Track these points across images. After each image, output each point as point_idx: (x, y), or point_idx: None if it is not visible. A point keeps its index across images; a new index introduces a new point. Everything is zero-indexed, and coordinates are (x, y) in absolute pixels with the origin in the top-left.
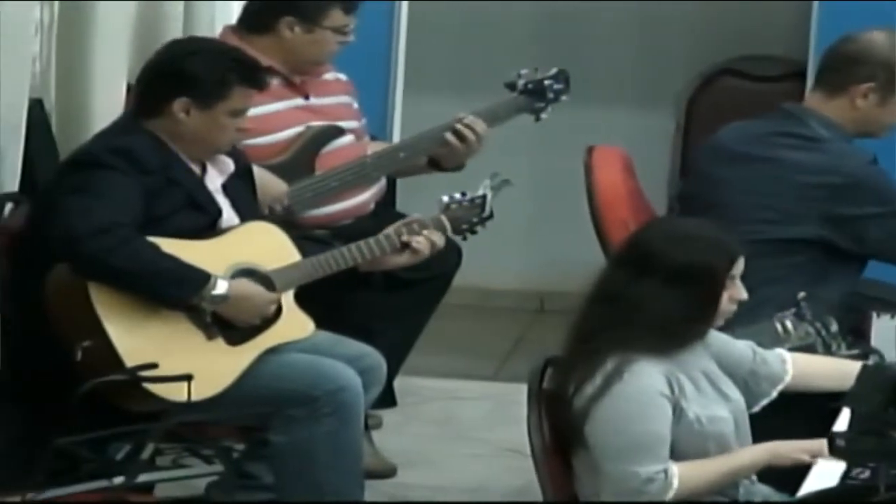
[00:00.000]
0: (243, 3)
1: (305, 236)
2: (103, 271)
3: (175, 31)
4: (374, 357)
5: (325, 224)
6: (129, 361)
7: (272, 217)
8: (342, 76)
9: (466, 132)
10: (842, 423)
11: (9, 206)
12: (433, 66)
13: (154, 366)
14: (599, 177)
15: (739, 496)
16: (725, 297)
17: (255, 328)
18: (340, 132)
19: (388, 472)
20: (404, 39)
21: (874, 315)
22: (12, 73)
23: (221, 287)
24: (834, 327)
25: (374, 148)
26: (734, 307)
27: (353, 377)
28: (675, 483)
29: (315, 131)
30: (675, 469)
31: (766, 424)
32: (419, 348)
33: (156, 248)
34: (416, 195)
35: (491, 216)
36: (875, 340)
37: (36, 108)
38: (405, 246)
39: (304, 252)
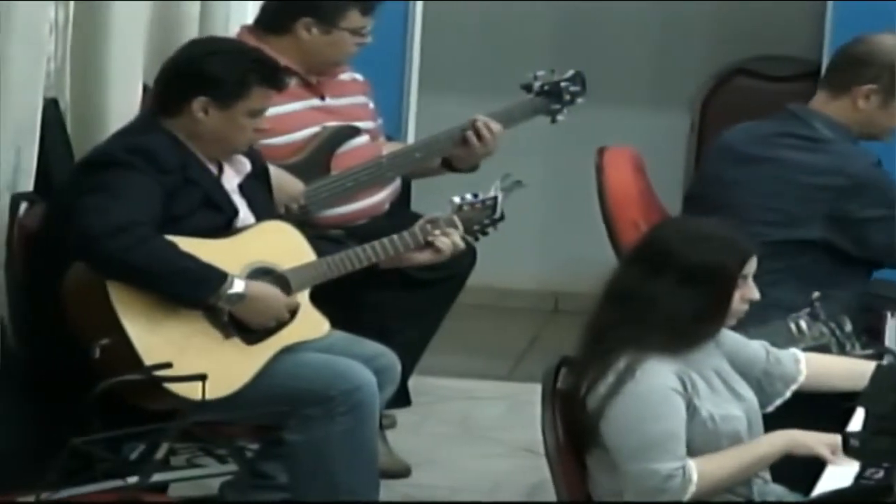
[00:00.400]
0: (259, 3)
1: (320, 236)
2: (122, 270)
3: (190, 31)
4: (389, 357)
5: (341, 224)
6: (148, 359)
7: (288, 217)
8: (358, 76)
9: (484, 132)
10: (856, 423)
11: (24, 206)
12: (448, 66)
13: (169, 365)
14: (610, 178)
15: (753, 496)
16: (737, 296)
17: (271, 328)
18: (356, 132)
19: (402, 472)
20: (419, 40)
21: (888, 315)
22: (27, 72)
23: (238, 286)
24: (848, 327)
25: (389, 148)
26: (746, 307)
27: (369, 376)
28: (695, 477)
29: (331, 131)
30: (693, 464)
31: (779, 424)
32: (434, 348)
33: (174, 246)
34: (430, 195)
35: (502, 218)
36: (889, 340)
37: (51, 108)
38: (428, 244)
39: (320, 252)
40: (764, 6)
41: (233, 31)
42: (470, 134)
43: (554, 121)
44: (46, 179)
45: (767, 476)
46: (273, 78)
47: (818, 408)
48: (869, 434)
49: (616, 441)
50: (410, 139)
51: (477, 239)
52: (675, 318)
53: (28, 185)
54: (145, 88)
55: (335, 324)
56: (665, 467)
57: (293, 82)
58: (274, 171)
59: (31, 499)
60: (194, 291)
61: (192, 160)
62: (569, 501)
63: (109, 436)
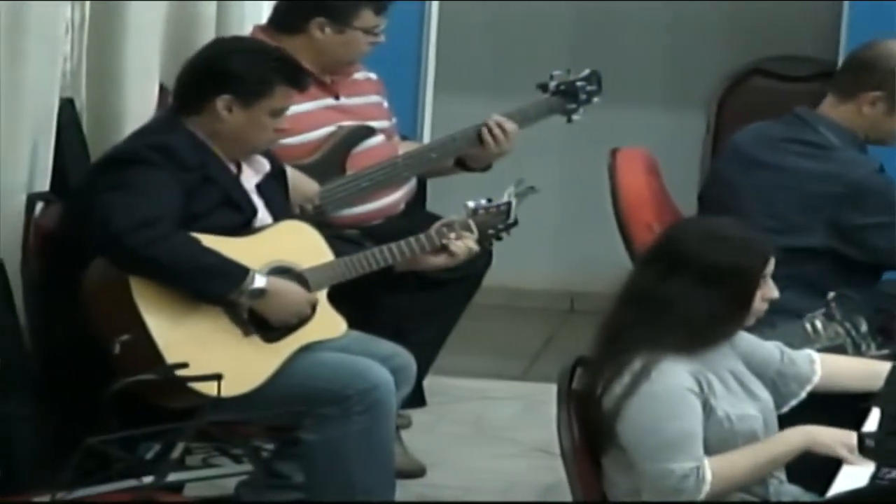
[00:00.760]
0: (274, 3)
1: (336, 236)
2: (144, 265)
3: (206, 31)
4: (405, 357)
5: (356, 224)
6: (168, 355)
7: (303, 217)
8: (372, 75)
9: (497, 132)
10: (871, 423)
11: (40, 206)
12: (463, 66)
13: (186, 365)
14: (623, 179)
15: (769, 496)
16: (758, 296)
17: (291, 326)
18: (371, 132)
19: (417, 472)
20: (435, 39)
21: None
22: (43, 72)
23: (260, 282)
24: (864, 327)
25: (404, 148)
26: (766, 306)
27: (386, 376)
28: (709, 476)
29: (346, 131)
30: (708, 463)
31: (795, 425)
32: (449, 348)
33: (196, 242)
34: (445, 196)
35: (516, 223)
36: None
37: (67, 108)
38: (443, 248)
39: (336, 251)
40: (780, 6)
41: (248, 31)
42: (485, 133)
43: (570, 120)
44: (62, 179)
45: (783, 476)
46: (295, 77)
47: (833, 408)
48: (884, 434)
49: (632, 441)
50: (426, 139)
51: (491, 244)
52: (696, 319)
53: (44, 184)
54: (161, 88)
55: (351, 324)
56: (681, 467)
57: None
58: (289, 171)
59: (47, 498)
60: (216, 287)
61: (212, 159)
62: (584, 502)
63: (125, 435)
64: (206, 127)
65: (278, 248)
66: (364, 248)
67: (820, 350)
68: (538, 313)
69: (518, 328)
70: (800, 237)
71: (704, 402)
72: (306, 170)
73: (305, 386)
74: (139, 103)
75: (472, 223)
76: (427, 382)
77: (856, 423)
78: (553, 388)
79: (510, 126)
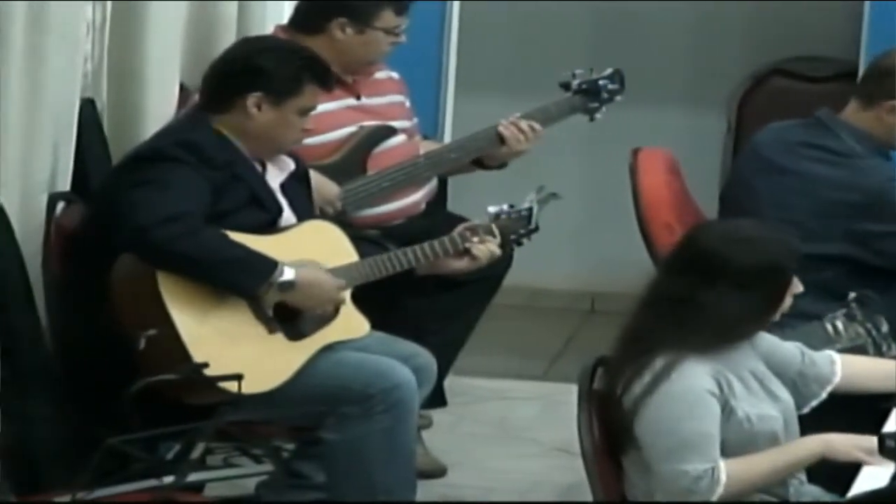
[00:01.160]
0: (295, 3)
1: (357, 236)
2: (172, 259)
3: (227, 32)
4: (425, 357)
5: (377, 224)
6: (193, 350)
7: (324, 218)
8: (394, 75)
9: (525, 128)
10: (892, 423)
11: (61, 205)
12: (485, 65)
13: (206, 365)
14: (643, 179)
15: (789, 496)
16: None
17: (315, 324)
18: (393, 132)
19: (438, 472)
20: (456, 39)
21: None
22: (64, 72)
23: (289, 274)
24: (885, 328)
25: (426, 147)
26: (790, 301)
27: (408, 375)
28: (723, 478)
29: (367, 131)
30: (724, 465)
31: (815, 425)
32: (469, 348)
33: (224, 236)
34: (466, 196)
35: (537, 228)
36: None
37: (88, 108)
38: (466, 251)
39: (357, 251)
40: (801, 6)
41: (269, 31)
42: (513, 130)
43: (592, 119)
44: (83, 179)
45: (803, 477)
46: (324, 76)
47: (854, 409)
48: None
49: (649, 441)
50: (447, 139)
51: (512, 249)
52: (727, 320)
53: (65, 184)
54: (182, 88)
55: (372, 324)
56: (695, 468)
57: None
58: (311, 174)
59: (67, 498)
60: (245, 280)
61: (239, 157)
62: (604, 502)
63: (145, 435)
64: (234, 125)
65: (304, 247)
66: (385, 248)
67: (840, 351)
68: (559, 313)
69: (538, 328)
70: (817, 244)
71: (724, 403)
72: (327, 169)
73: (327, 385)
74: (160, 103)
75: (494, 227)
76: (448, 382)
77: (876, 423)
78: (573, 389)
79: (525, 124)
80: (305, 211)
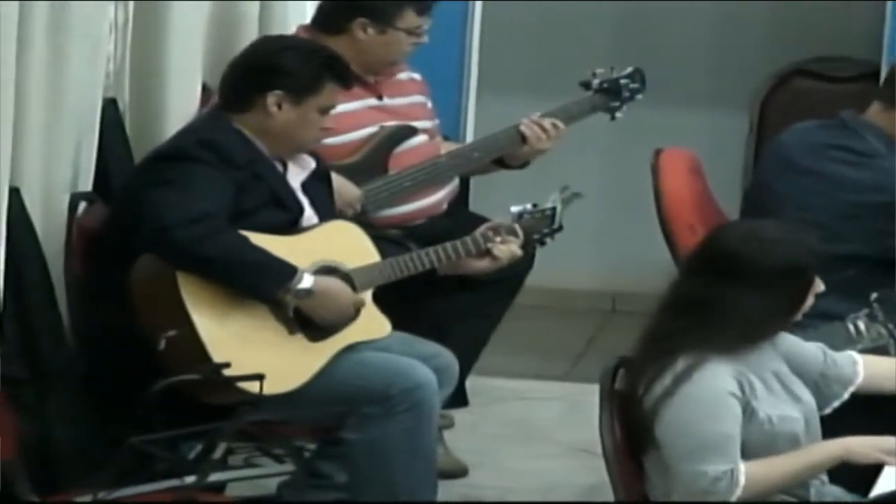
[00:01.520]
0: (317, 2)
1: (379, 236)
2: (193, 260)
3: (249, 32)
4: (447, 357)
5: (399, 224)
6: (213, 351)
7: (345, 219)
8: (416, 76)
9: (549, 126)
10: None
11: (82, 205)
12: (507, 65)
13: (228, 365)
14: (666, 180)
15: (811, 497)
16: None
17: (335, 326)
18: (414, 132)
19: (459, 472)
20: (478, 39)
21: None
22: (87, 72)
23: (307, 282)
24: None
25: (446, 148)
26: (812, 301)
27: (429, 375)
28: (742, 480)
29: (388, 131)
30: (743, 467)
31: (837, 426)
32: (491, 348)
33: (245, 239)
34: (488, 195)
35: (560, 228)
36: None
37: (110, 108)
38: (487, 251)
39: (378, 251)
40: (823, 6)
41: (291, 31)
42: (535, 130)
43: (613, 118)
44: (105, 179)
45: (825, 478)
46: (344, 75)
47: (876, 409)
48: None
49: (669, 441)
50: (469, 139)
51: (535, 248)
52: (746, 320)
53: (87, 184)
54: (204, 88)
55: (394, 324)
56: (713, 469)
57: None
58: (332, 177)
59: (88, 498)
60: (264, 284)
61: (259, 157)
62: (626, 503)
63: (167, 435)
64: (254, 124)
65: (325, 247)
66: (406, 248)
67: (862, 351)
68: (580, 314)
69: (560, 328)
70: (839, 245)
71: (746, 405)
72: (349, 169)
73: (348, 385)
74: (182, 103)
75: (517, 227)
76: (469, 383)
77: None
78: (595, 389)
79: (548, 122)
80: (327, 210)
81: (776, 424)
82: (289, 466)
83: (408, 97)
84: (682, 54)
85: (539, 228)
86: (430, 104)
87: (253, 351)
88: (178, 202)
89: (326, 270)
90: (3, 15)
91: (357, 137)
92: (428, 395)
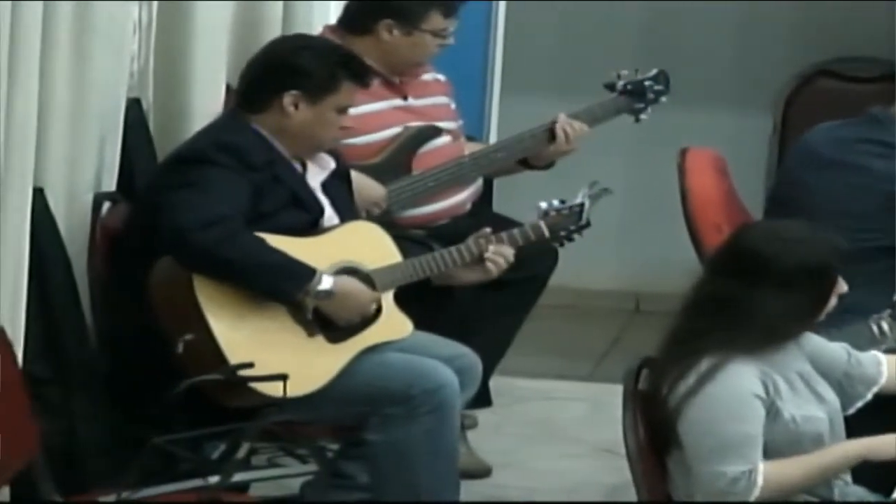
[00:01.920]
0: (342, 3)
1: (402, 236)
2: (211, 263)
3: (273, 32)
4: (470, 357)
5: (423, 224)
6: (231, 355)
7: (369, 219)
8: (440, 76)
9: (569, 131)
10: None
11: (106, 205)
12: (530, 66)
13: (251, 365)
14: (692, 179)
15: (834, 496)
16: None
17: (355, 327)
18: (438, 132)
19: (483, 473)
20: (502, 40)
21: None
22: (111, 72)
23: (326, 283)
24: None
25: (470, 148)
26: (835, 301)
27: (451, 376)
28: (760, 481)
29: (413, 131)
30: (762, 468)
31: (861, 426)
32: (515, 349)
33: (263, 241)
34: (512, 195)
35: (588, 224)
36: None
37: (134, 108)
38: (480, 259)
39: (402, 252)
40: (846, 7)
41: (316, 31)
42: (559, 130)
43: (638, 120)
44: (129, 179)
45: (848, 478)
46: (360, 74)
47: None
48: None
49: (690, 441)
50: (493, 139)
51: (562, 245)
52: (771, 320)
53: (111, 184)
54: (228, 88)
55: (416, 324)
56: (733, 470)
57: (376, 82)
58: (355, 175)
59: (112, 498)
60: (283, 287)
61: (278, 158)
62: (649, 502)
63: (191, 435)
64: (272, 124)
65: (346, 248)
66: (430, 248)
67: (886, 351)
68: (604, 314)
69: (584, 329)
70: (872, 236)
71: (771, 405)
72: (373, 169)
73: (370, 386)
74: (206, 103)
75: (542, 224)
76: (493, 383)
77: None
78: (619, 389)
79: (578, 125)
80: (348, 210)
81: (800, 424)
82: (312, 467)
83: (432, 98)
84: (704, 55)
85: (566, 225)
86: (453, 105)
87: (271, 354)
88: (195, 206)
89: (347, 271)
90: (27, 15)
91: (382, 138)
92: (450, 396)
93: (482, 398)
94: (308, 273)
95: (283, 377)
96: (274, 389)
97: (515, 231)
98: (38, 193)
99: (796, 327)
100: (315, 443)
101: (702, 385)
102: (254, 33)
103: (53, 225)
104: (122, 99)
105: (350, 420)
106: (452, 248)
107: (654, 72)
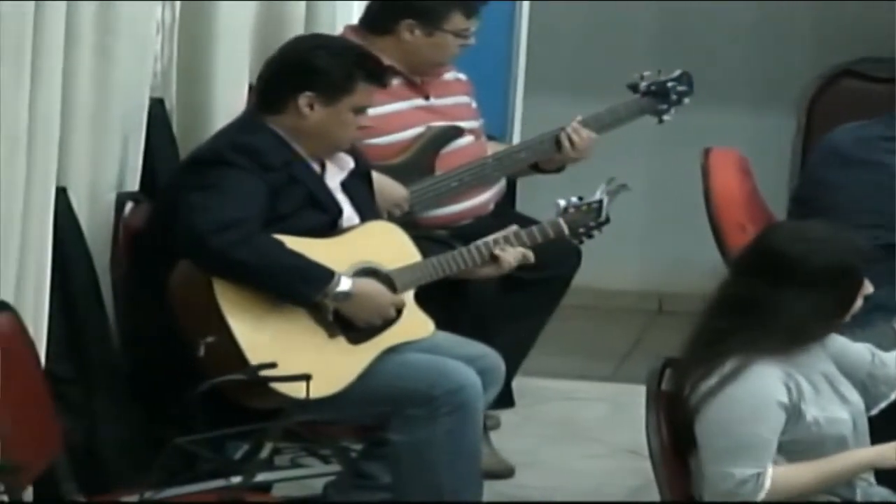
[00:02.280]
0: (364, 2)
1: (425, 236)
2: (228, 267)
3: (296, 31)
4: (493, 357)
5: (445, 224)
6: (252, 357)
7: (391, 219)
8: (462, 76)
9: (576, 138)
10: None
11: (129, 205)
12: (554, 67)
13: (274, 365)
14: (716, 180)
15: (857, 497)
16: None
17: (377, 327)
18: (460, 132)
19: (505, 473)
20: (525, 40)
21: None
22: (134, 72)
23: (345, 284)
24: None
25: (493, 148)
26: (861, 302)
27: (473, 376)
28: (768, 484)
29: (435, 131)
30: (771, 472)
31: (884, 426)
32: (537, 349)
33: (280, 244)
34: (535, 195)
35: (607, 221)
36: None
37: (157, 107)
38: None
39: (425, 252)
40: (871, 6)
41: (338, 31)
42: (563, 139)
43: (661, 121)
44: (152, 179)
45: (872, 478)
46: (377, 74)
47: None
48: None
49: (705, 440)
50: (516, 140)
51: (582, 241)
52: (796, 322)
53: (134, 184)
54: (251, 88)
55: (438, 324)
56: (742, 472)
57: (398, 82)
58: (377, 176)
59: (135, 498)
60: (301, 289)
61: (295, 158)
62: (672, 502)
63: (213, 435)
64: (289, 125)
65: (365, 248)
66: (452, 248)
67: None
68: (626, 314)
69: (606, 329)
70: (893, 234)
71: (794, 408)
72: (395, 170)
73: (392, 386)
74: (229, 103)
75: (561, 221)
76: (515, 383)
77: None
78: (642, 390)
79: (585, 133)
80: (368, 209)
81: (824, 426)
82: (335, 467)
83: (454, 97)
84: (728, 55)
85: (585, 221)
86: (474, 104)
87: (293, 356)
88: (212, 207)
89: (366, 272)
90: (50, 16)
91: (404, 138)
92: (472, 396)
93: (505, 399)
94: (326, 275)
95: (306, 377)
96: (296, 390)
97: (535, 228)
98: (62, 193)
99: (822, 329)
100: (338, 443)
101: (723, 386)
102: (277, 33)
103: (76, 225)
104: (145, 99)
105: (372, 420)
106: (472, 246)
107: (677, 73)
